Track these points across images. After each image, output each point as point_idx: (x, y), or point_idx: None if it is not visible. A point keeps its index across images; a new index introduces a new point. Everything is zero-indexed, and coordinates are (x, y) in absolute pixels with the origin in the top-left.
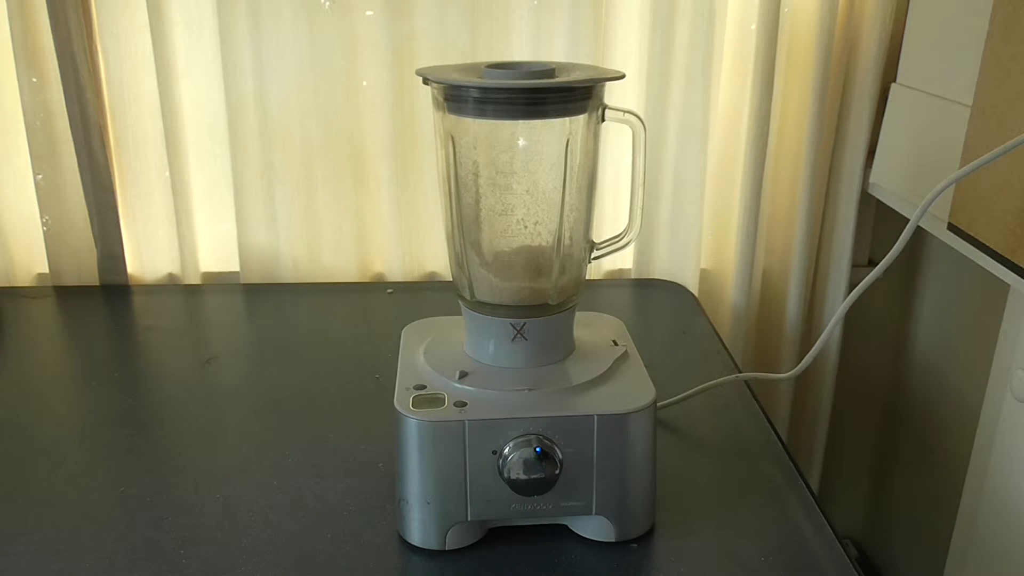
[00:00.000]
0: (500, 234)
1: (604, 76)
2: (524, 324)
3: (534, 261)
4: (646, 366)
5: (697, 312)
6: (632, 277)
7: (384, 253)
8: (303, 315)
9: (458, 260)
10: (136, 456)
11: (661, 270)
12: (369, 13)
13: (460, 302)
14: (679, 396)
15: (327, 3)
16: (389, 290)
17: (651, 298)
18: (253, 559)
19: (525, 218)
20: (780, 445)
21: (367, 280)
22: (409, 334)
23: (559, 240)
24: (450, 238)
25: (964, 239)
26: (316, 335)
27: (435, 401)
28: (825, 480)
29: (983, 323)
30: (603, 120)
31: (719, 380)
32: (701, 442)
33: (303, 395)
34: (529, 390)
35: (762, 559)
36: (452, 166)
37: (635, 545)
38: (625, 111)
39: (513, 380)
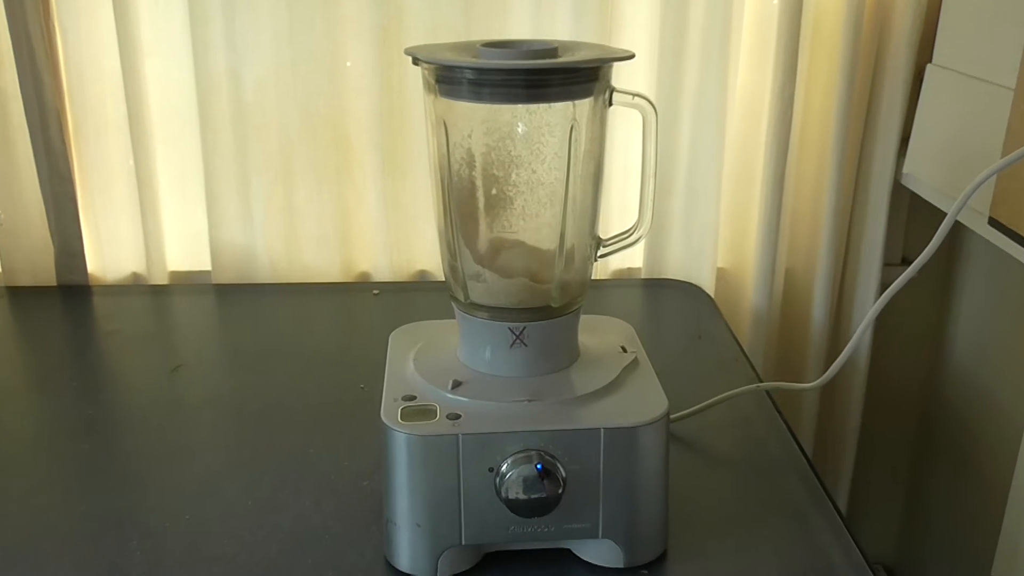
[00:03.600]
0: (498, 230)
1: (611, 56)
2: (523, 329)
3: (535, 259)
4: (658, 375)
5: (714, 315)
6: (642, 277)
7: (370, 250)
8: (281, 319)
9: (451, 258)
10: (97, 473)
11: (674, 269)
12: None
13: (453, 304)
14: (694, 408)
15: None
16: (375, 291)
17: (663, 300)
18: None
19: (525, 212)
20: (805, 461)
21: (351, 280)
22: (397, 339)
23: (562, 236)
24: (442, 234)
25: (1006, 234)
26: (295, 340)
27: (426, 413)
28: (854, 500)
29: None
30: (610, 104)
31: (738, 390)
32: (718, 458)
33: (281, 406)
34: (529, 401)
35: None
36: (445, 155)
37: (645, 572)
38: (635, 94)
39: (511, 390)
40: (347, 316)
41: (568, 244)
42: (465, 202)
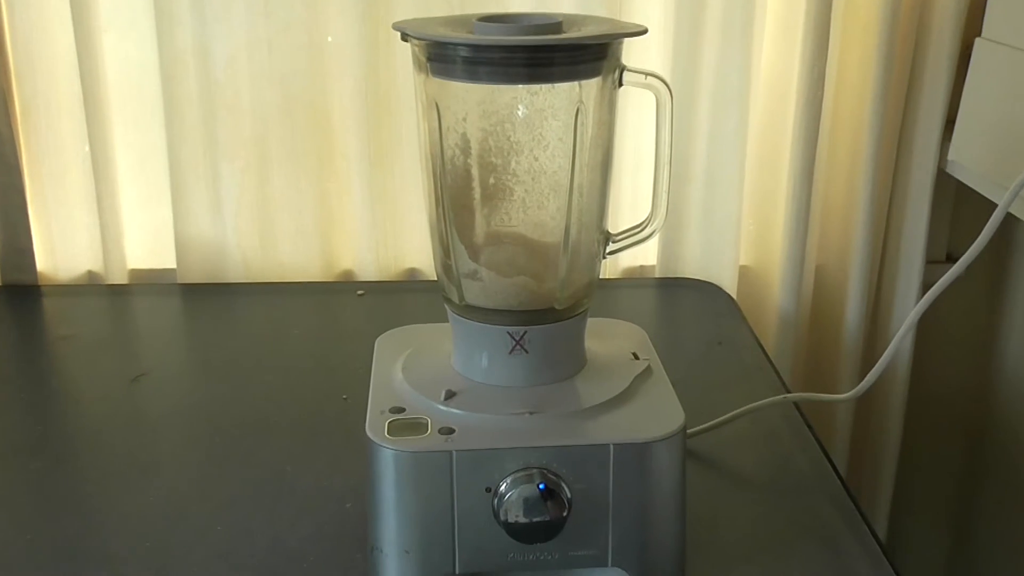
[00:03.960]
0: (496, 223)
1: (622, 31)
2: (524, 333)
3: (536, 256)
4: (673, 384)
5: (736, 318)
6: (656, 276)
7: (354, 246)
8: (254, 322)
9: (444, 255)
10: (47, 496)
11: (691, 267)
12: None
13: (446, 306)
14: (714, 421)
15: None
16: (360, 291)
17: (679, 301)
18: None
19: (526, 204)
20: (838, 482)
21: (333, 279)
22: (384, 345)
23: (567, 231)
24: (434, 228)
25: None
26: (270, 346)
27: (416, 427)
28: (895, 524)
29: None
30: (620, 85)
31: (763, 402)
32: (740, 478)
33: (254, 420)
34: (530, 414)
35: None
36: (437, 140)
37: None
38: (647, 73)
39: (511, 401)
40: (328, 319)
41: (574, 239)
42: (460, 193)
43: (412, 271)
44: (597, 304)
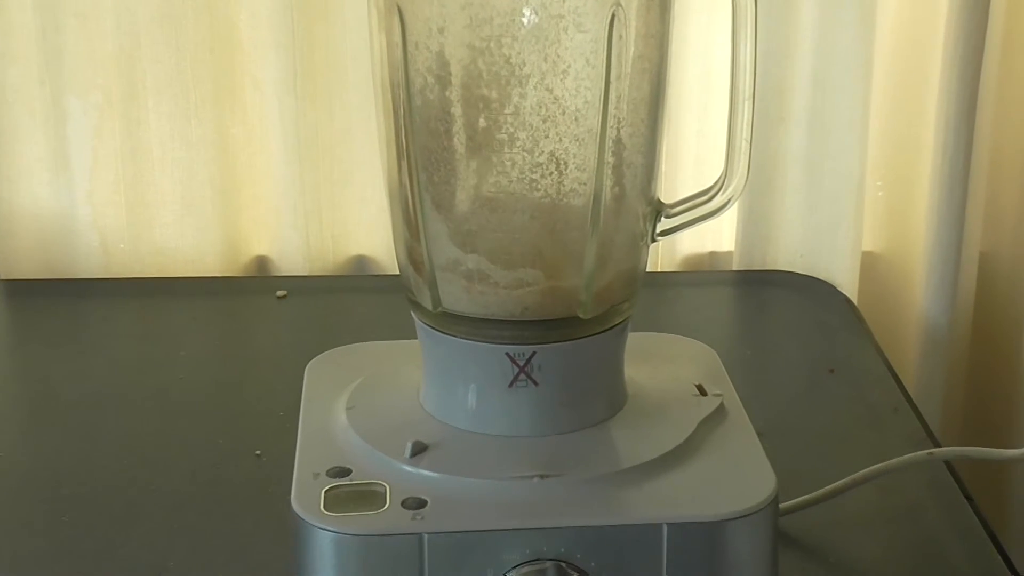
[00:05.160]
0: (489, 188)
1: None
2: (532, 355)
3: (551, 239)
4: (759, 432)
5: (856, 332)
6: (735, 268)
7: (271, 223)
8: (120, 338)
9: (411, 236)
10: None
11: (788, 255)
12: None
13: (413, 314)
14: (822, 490)
15: None
16: (281, 292)
17: (770, 306)
18: None
19: (535, 159)
20: None
21: (239, 273)
22: (319, 373)
23: (597, 199)
24: (395, 195)
25: None
26: (144, 375)
27: (368, 498)
28: None
29: None
30: None
31: (898, 459)
32: (864, 572)
33: (119, 488)
34: (541, 477)
35: None
36: (400, 63)
37: None
38: None
39: (511, 459)
40: (234, 333)
41: (607, 213)
42: (435, 143)
43: (360, 260)
44: (643, 311)
